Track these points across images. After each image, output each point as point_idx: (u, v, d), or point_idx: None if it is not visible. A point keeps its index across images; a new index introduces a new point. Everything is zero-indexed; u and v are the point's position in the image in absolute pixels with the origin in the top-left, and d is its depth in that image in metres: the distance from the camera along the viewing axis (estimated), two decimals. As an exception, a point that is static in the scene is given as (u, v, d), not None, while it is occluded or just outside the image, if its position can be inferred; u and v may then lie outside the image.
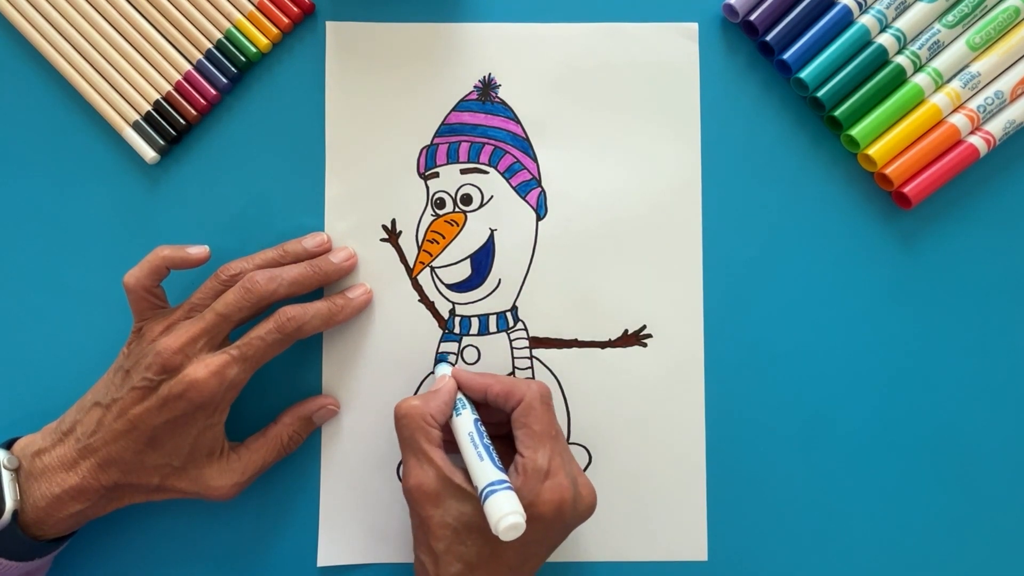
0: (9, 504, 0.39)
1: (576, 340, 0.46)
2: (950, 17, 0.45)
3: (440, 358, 0.46)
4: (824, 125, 0.47)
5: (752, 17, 0.46)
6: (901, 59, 0.45)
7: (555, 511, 0.38)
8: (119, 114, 0.46)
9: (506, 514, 0.36)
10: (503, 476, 0.38)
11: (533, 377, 0.46)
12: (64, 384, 0.46)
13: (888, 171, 0.45)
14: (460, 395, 0.43)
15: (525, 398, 0.41)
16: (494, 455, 0.39)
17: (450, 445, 0.41)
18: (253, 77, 0.47)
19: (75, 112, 0.47)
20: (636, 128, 0.47)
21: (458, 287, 0.47)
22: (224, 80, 0.46)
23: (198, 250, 0.43)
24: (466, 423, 0.41)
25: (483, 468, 0.38)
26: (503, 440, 0.43)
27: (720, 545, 0.46)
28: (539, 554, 0.40)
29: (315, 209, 0.47)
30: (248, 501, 0.46)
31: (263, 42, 0.46)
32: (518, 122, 0.47)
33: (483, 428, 0.41)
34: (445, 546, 0.38)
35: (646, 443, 0.46)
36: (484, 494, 0.37)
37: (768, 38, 0.46)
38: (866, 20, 0.45)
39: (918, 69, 0.46)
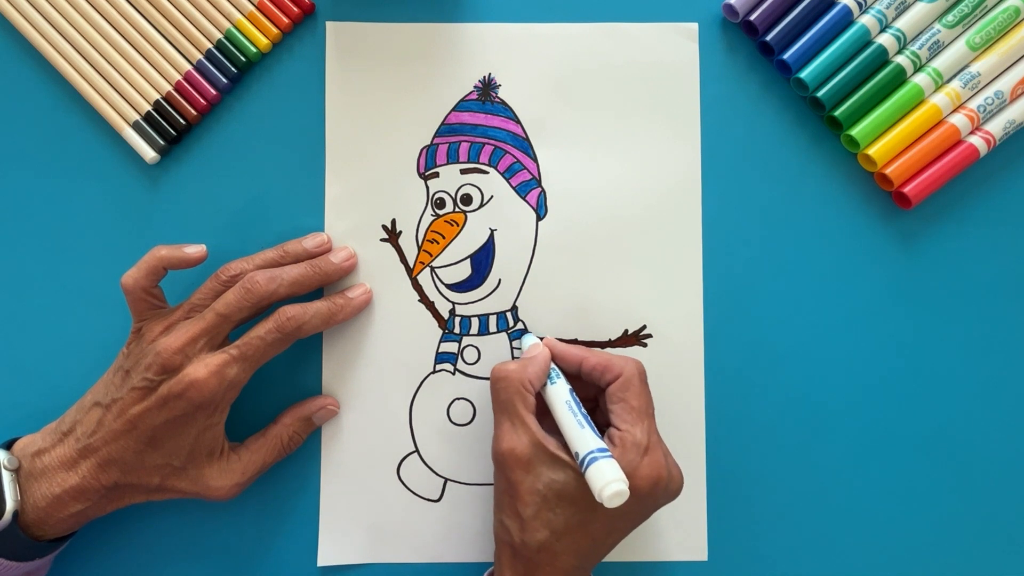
0: (10, 504, 0.39)
1: (576, 340, 0.46)
2: (950, 17, 0.45)
3: (516, 333, 0.46)
4: (824, 125, 0.47)
5: (752, 17, 0.46)
6: (901, 59, 0.45)
7: (651, 486, 0.39)
8: (119, 114, 0.46)
9: (610, 481, 0.36)
10: (604, 444, 0.38)
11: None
12: (64, 384, 0.46)
13: (888, 171, 0.45)
14: (552, 365, 0.43)
15: (624, 373, 0.41)
16: (593, 424, 0.39)
17: (538, 413, 0.41)
18: (253, 77, 0.47)
19: (75, 112, 0.47)
20: (636, 128, 0.47)
21: (458, 287, 0.47)
22: (224, 80, 0.46)
23: (195, 249, 0.43)
24: (562, 392, 0.41)
25: (583, 436, 0.38)
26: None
27: (720, 545, 0.46)
28: (624, 528, 0.40)
29: (315, 209, 0.47)
30: (248, 501, 0.46)
31: (263, 42, 0.46)
32: (518, 122, 0.47)
33: (578, 398, 0.41)
34: (533, 512, 0.38)
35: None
36: (586, 461, 0.37)
37: (768, 38, 0.46)
38: (866, 20, 0.45)
39: (918, 69, 0.46)
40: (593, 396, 0.44)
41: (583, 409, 0.40)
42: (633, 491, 0.38)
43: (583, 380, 0.43)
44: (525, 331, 0.46)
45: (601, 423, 0.42)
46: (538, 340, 0.44)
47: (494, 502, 0.41)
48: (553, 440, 0.40)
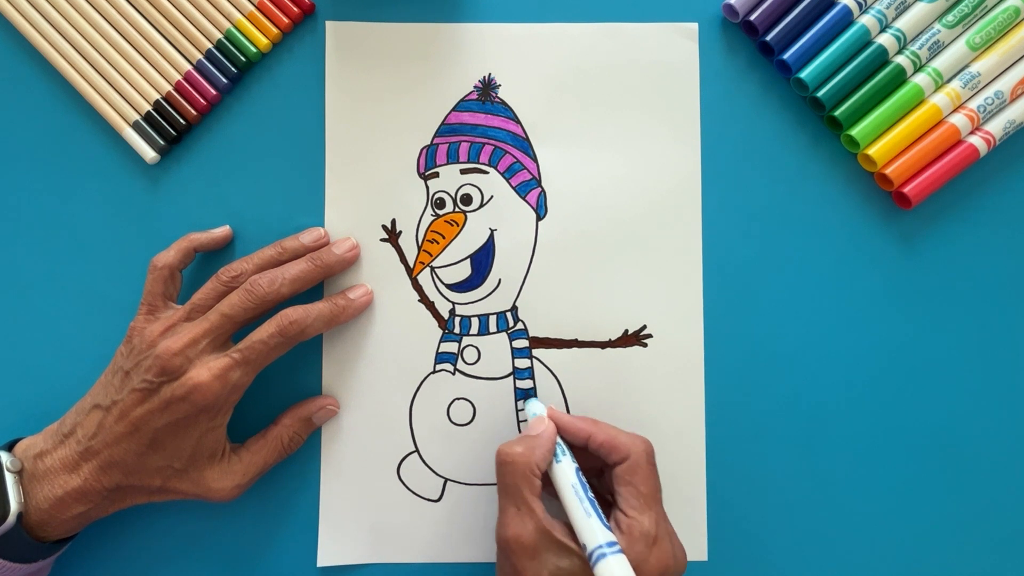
0: (14, 507, 0.39)
1: (576, 340, 0.46)
2: (950, 17, 0.45)
3: (527, 395, 0.46)
4: (824, 125, 0.47)
5: (752, 17, 0.46)
6: (901, 59, 0.45)
7: None
8: (119, 114, 0.46)
9: None
10: (612, 537, 0.37)
11: (533, 377, 0.46)
12: (64, 385, 0.46)
13: (888, 171, 0.45)
14: (558, 439, 0.42)
15: (631, 455, 0.40)
16: (599, 511, 0.38)
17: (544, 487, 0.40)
18: (253, 77, 0.47)
19: (75, 112, 0.47)
20: (636, 128, 0.47)
21: (458, 287, 0.47)
22: (224, 80, 0.46)
23: (221, 230, 0.46)
24: (567, 473, 0.40)
25: (591, 526, 0.37)
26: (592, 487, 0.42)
27: (720, 545, 0.46)
28: None
29: (315, 209, 0.47)
30: (248, 501, 0.46)
31: (263, 42, 0.46)
32: (518, 122, 0.47)
33: (584, 478, 0.40)
34: None
35: (646, 443, 0.46)
36: (594, 556, 0.36)
37: (768, 38, 0.46)
38: (866, 20, 0.45)
39: (918, 69, 0.46)
40: (599, 468, 0.43)
41: (590, 492, 0.39)
42: None
43: (589, 451, 0.42)
44: (528, 395, 0.46)
45: (607, 494, 0.41)
46: (543, 411, 0.43)
47: None
48: (559, 525, 0.39)
